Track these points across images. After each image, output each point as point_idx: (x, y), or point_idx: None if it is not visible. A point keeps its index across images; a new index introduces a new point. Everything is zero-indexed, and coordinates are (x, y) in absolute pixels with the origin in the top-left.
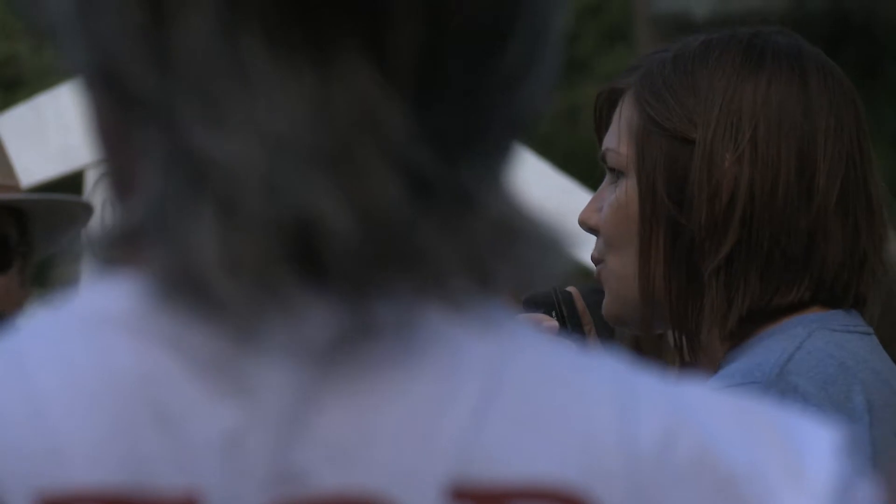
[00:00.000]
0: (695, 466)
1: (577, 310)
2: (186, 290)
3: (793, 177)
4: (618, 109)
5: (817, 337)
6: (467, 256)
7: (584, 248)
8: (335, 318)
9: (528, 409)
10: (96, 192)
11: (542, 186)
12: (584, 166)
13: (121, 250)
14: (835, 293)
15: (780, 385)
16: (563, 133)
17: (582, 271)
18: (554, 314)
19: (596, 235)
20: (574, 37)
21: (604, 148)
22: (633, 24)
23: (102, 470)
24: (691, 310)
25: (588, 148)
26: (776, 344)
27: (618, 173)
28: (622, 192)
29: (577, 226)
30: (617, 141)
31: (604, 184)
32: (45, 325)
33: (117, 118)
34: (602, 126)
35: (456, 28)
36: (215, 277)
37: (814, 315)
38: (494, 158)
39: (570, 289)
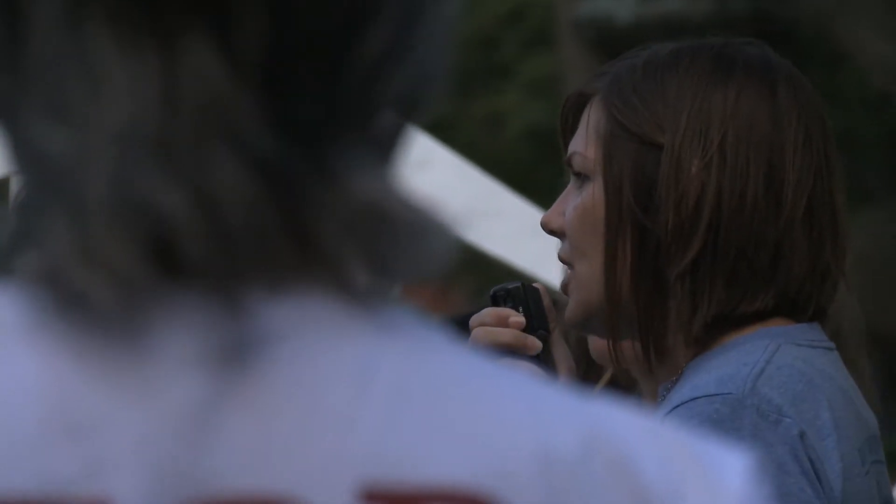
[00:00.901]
0: (613, 476)
1: (543, 307)
2: (59, 292)
3: (761, 187)
4: (585, 114)
5: (785, 351)
6: (331, 242)
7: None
8: (216, 323)
9: (439, 414)
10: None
11: (467, 189)
12: (508, 172)
13: (12, 258)
14: (797, 304)
15: (755, 398)
16: (487, 138)
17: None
18: (521, 310)
19: (559, 238)
20: (495, 43)
21: (570, 152)
22: (554, 30)
23: (13, 478)
24: (657, 314)
25: (511, 153)
26: (745, 356)
27: (584, 177)
28: (588, 196)
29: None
30: (584, 145)
31: (568, 187)
32: None
33: None
34: (568, 131)
35: (305, 14)
36: (77, 275)
37: (779, 328)
38: (365, 143)
39: (537, 285)
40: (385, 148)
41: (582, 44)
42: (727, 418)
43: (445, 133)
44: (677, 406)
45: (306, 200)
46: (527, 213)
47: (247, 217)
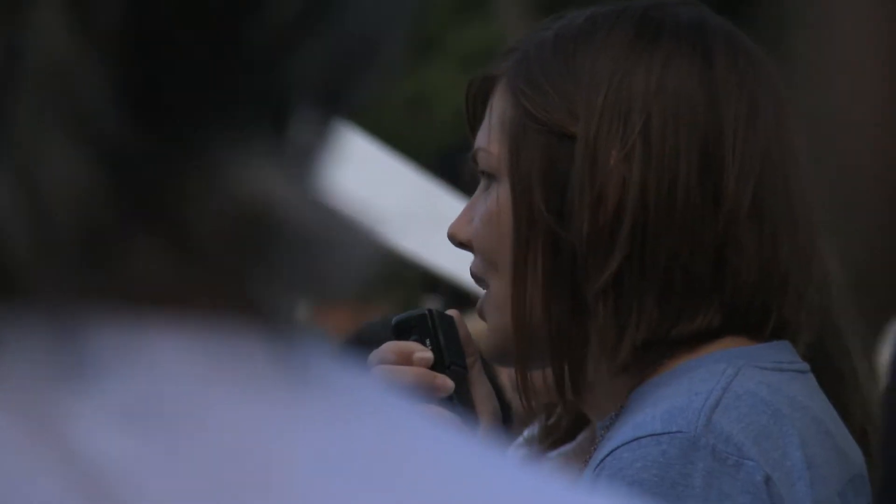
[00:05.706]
0: None
1: (458, 338)
2: None
3: (694, 178)
4: (490, 101)
5: (745, 376)
6: (213, 252)
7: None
8: (52, 355)
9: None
10: None
11: (396, 189)
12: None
13: None
14: (750, 319)
15: (710, 436)
16: (409, 126)
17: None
18: (428, 343)
19: (469, 251)
20: (420, 9)
21: (475, 147)
22: None
23: None
24: (575, 339)
25: (440, 143)
26: (697, 383)
27: (490, 177)
28: (494, 201)
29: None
30: (488, 138)
31: (478, 191)
32: None
33: None
34: (475, 122)
35: None
36: None
37: (739, 349)
38: (270, 136)
39: (452, 313)
40: (300, 144)
41: (525, 8)
42: (675, 462)
43: (361, 119)
44: (617, 448)
45: (172, 199)
46: None
47: (80, 218)
